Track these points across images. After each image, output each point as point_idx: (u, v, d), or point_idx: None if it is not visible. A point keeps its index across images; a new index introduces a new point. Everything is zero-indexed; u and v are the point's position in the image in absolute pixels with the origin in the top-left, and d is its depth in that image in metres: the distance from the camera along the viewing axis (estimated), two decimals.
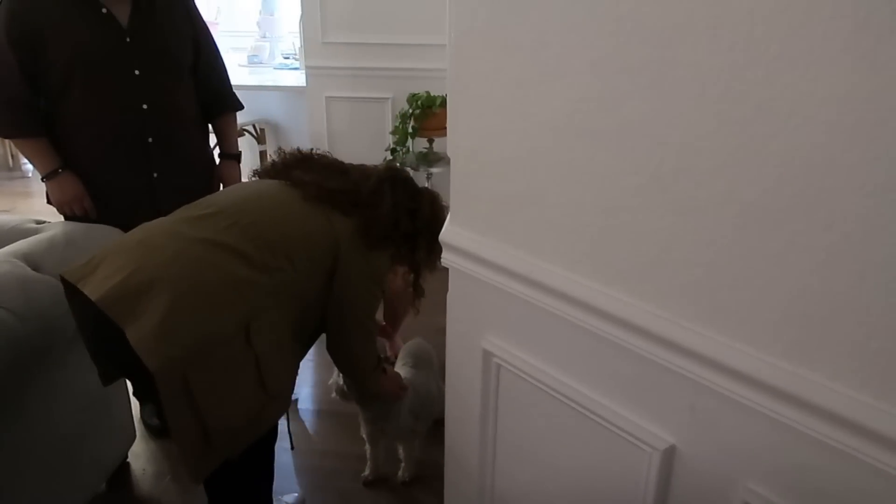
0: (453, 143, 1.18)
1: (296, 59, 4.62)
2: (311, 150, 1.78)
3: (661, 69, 0.83)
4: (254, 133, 4.14)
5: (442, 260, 1.25)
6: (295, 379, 1.53)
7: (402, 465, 2.14)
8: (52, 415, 1.76)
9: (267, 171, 1.72)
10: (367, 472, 2.13)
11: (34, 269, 1.64)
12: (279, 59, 4.84)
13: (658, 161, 0.87)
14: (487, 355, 1.22)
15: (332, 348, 1.70)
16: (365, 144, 3.84)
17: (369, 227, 1.56)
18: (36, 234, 1.85)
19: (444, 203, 1.78)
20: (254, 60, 4.80)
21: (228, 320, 1.30)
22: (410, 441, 2.10)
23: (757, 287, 0.81)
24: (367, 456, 2.13)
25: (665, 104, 0.84)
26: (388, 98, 3.76)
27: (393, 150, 3.52)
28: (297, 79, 4.10)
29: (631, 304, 0.95)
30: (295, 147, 1.79)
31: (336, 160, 1.77)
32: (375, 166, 1.79)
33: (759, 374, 0.82)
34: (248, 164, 4.55)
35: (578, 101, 0.94)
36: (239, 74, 4.53)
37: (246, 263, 1.36)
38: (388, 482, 2.14)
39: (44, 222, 1.97)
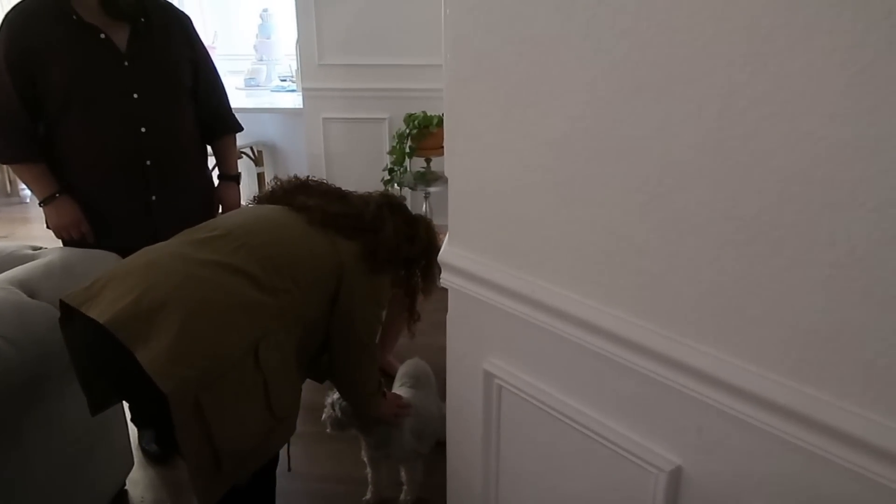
0: (451, 163, 1.17)
1: (292, 82, 4.64)
2: (308, 177, 1.81)
3: (659, 87, 0.83)
4: (251, 155, 4.15)
5: (441, 280, 1.24)
6: (299, 402, 1.51)
7: (405, 487, 2.11)
8: (50, 443, 1.73)
9: (268, 197, 1.75)
10: (368, 496, 2.10)
11: (30, 296, 1.63)
12: (276, 82, 4.86)
13: (657, 179, 0.86)
14: (489, 376, 1.20)
15: (335, 371, 1.70)
16: (363, 165, 3.85)
17: (373, 251, 1.59)
18: (32, 260, 1.84)
19: (437, 231, 1.83)
20: (251, 83, 4.82)
21: (239, 342, 1.29)
22: (413, 463, 2.07)
23: (761, 305, 0.80)
24: (369, 479, 2.10)
25: (663, 122, 0.84)
26: (384, 118, 3.77)
27: (391, 170, 3.53)
28: (294, 101, 4.12)
29: (633, 324, 0.94)
30: (292, 174, 1.82)
31: (334, 186, 1.79)
32: (370, 193, 1.82)
33: (765, 392, 0.81)
34: (246, 186, 4.56)
35: (576, 119, 0.93)
36: (236, 97, 4.54)
37: (254, 285, 1.36)
38: None
39: (40, 248, 1.96)
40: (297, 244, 1.53)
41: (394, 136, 3.54)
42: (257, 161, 4.17)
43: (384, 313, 1.74)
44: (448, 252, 1.21)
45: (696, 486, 0.93)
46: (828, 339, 0.75)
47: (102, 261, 1.89)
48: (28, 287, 1.65)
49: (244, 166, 4.45)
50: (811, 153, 0.72)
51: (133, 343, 1.20)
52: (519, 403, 1.16)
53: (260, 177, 4.18)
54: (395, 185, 3.55)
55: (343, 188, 1.81)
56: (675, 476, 0.95)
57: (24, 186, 5.38)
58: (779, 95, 0.73)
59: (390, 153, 3.54)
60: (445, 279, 1.23)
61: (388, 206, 1.73)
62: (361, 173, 3.88)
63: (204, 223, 1.56)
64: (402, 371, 2.25)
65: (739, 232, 0.80)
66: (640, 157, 0.88)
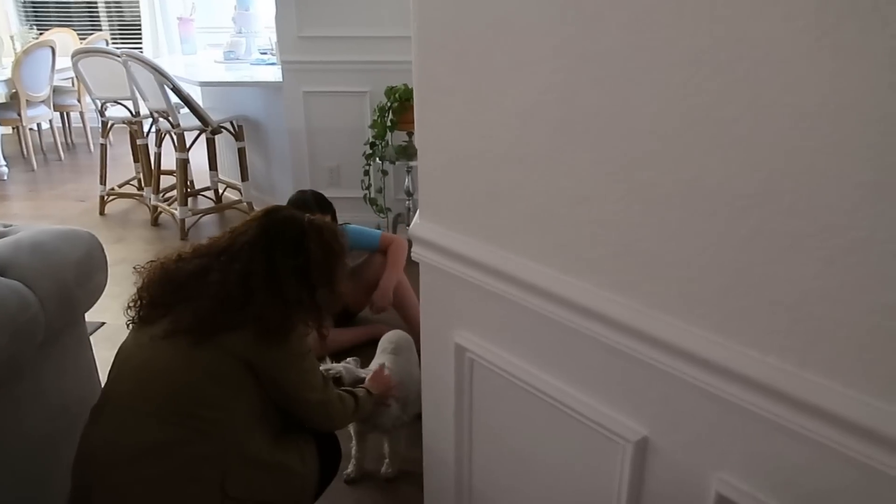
0: (421, 136, 1.16)
1: (273, 55, 4.57)
2: (161, 261, 1.51)
3: (624, 55, 0.81)
4: (232, 130, 4.09)
5: (413, 254, 1.23)
6: (305, 453, 1.53)
7: (386, 460, 2.12)
8: (23, 423, 1.72)
9: (143, 320, 1.48)
10: (350, 469, 2.11)
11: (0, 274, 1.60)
12: (256, 55, 4.78)
13: (623, 150, 0.85)
14: (460, 350, 1.20)
15: (308, 426, 1.59)
16: (344, 139, 3.81)
17: (263, 331, 1.39)
18: (2, 237, 1.81)
19: (336, 227, 1.63)
20: (230, 57, 4.74)
21: (203, 501, 1.33)
22: (397, 434, 2.08)
23: (725, 275, 0.80)
24: (352, 454, 2.11)
25: (629, 91, 0.82)
26: (366, 92, 3.72)
27: (372, 144, 3.50)
28: (274, 74, 4.06)
29: (601, 295, 0.94)
30: (152, 261, 1.53)
31: (191, 264, 1.48)
32: (247, 228, 1.52)
33: (729, 363, 0.81)
34: (230, 161, 4.51)
35: (543, 90, 0.92)
36: (215, 71, 4.48)
37: (183, 444, 1.33)
38: (372, 479, 2.12)
39: (10, 225, 1.92)
40: (190, 377, 1.37)
41: (375, 110, 3.50)
42: (238, 136, 4.11)
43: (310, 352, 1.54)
44: (418, 226, 1.20)
45: (662, 457, 0.94)
46: (789, 308, 0.75)
47: (73, 239, 1.86)
48: None
49: (224, 141, 4.40)
50: (775, 121, 0.71)
51: None
52: (490, 376, 1.16)
53: (241, 152, 4.12)
54: (378, 159, 3.52)
55: (213, 242, 1.53)
56: (642, 446, 0.95)
57: (3, 162, 5.31)
58: (742, 63, 0.71)
59: (371, 127, 3.50)
60: (416, 253, 1.22)
61: (261, 246, 1.46)
62: (343, 148, 3.84)
63: (103, 400, 1.46)
64: (384, 340, 2.26)
65: (704, 202, 0.79)
66: (605, 128, 0.86)
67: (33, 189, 5.26)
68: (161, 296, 1.45)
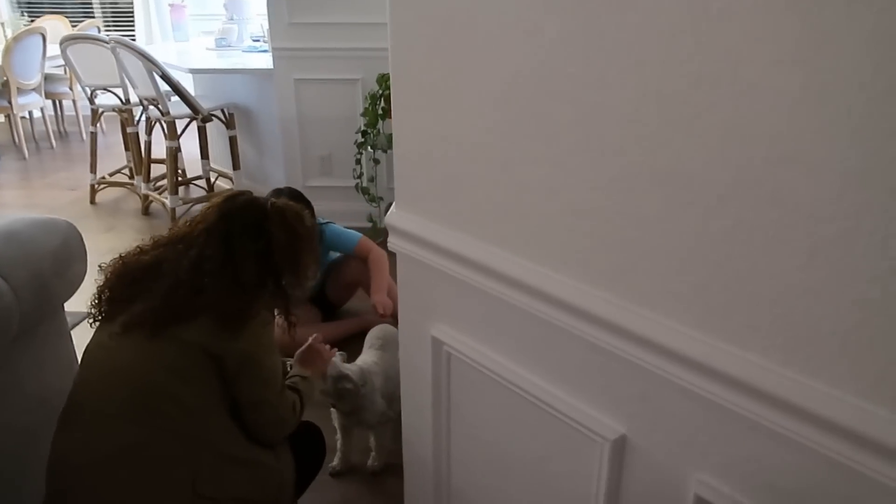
0: (397, 122, 1.11)
1: (265, 42, 4.51)
2: (120, 256, 1.46)
3: (597, 36, 0.77)
4: (223, 118, 4.04)
5: (389, 244, 1.19)
6: (279, 449, 1.48)
7: (373, 454, 2.09)
8: (1, 415, 1.69)
9: (105, 318, 1.42)
10: (335, 462, 2.08)
11: None
12: (248, 42, 4.72)
13: (599, 137, 0.81)
14: (437, 343, 1.16)
15: (254, 434, 1.43)
16: (337, 128, 3.76)
17: (220, 319, 1.31)
18: None
19: (301, 210, 1.55)
20: (222, 44, 4.68)
21: (175, 501, 1.28)
22: (383, 428, 2.05)
23: (705, 267, 0.76)
24: (338, 447, 2.08)
25: (603, 74, 0.78)
26: (357, 79, 3.67)
27: (364, 133, 3.45)
28: (266, 62, 4.00)
29: (578, 289, 0.90)
30: (113, 260, 1.46)
31: (147, 255, 1.43)
32: (206, 215, 1.45)
33: (709, 360, 0.77)
34: (220, 150, 4.46)
35: (514, 74, 0.87)
36: (207, 58, 4.42)
37: (151, 445, 1.28)
38: (358, 472, 2.09)
39: None
40: (149, 374, 1.31)
41: (366, 98, 3.45)
42: (229, 124, 4.06)
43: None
44: (395, 215, 1.16)
45: (640, 455, 0.90)
46: (772, 303, 0.71)
47: (50, 229, 1.82)
48: None
49: (216, 129, 4.35)
50: (755, 105, 0.67)
51: None
52: (468, 371, 1.13)
53: (232, 140, 4.07)
54: (369, 147, 3.48)
55: (169, 236, 1.47)
56: (620, 445, 0.91)
57: None
58: (720, 43, 0.67)
59: (363, 115, 3.45)
60: (393, 243, 1.18)
61: (219, 231, 1.39)
62: (335, 136, 3.79)
63: (70, 402, 1.39)
64: (371, 335, 2.22)
65: (683, 191, 0.75)
66: (580, 115, 0.82)
67: (24, 177, 5.22)
68: (120, 291, 1.40)
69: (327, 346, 1.87)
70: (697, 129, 0.72)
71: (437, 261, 1.10)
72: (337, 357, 1.98)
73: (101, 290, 1.42)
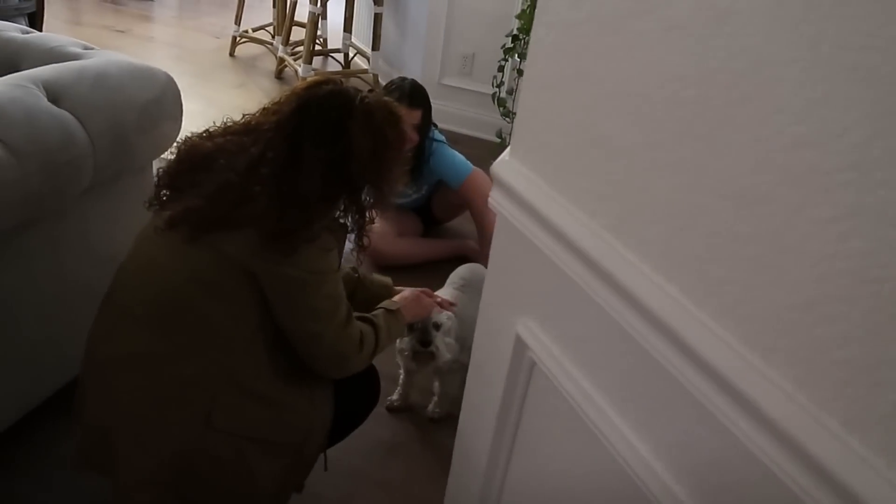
0: (536, 39, 0.80)
1: None
2: (189, 136, 1.26)
3: None
4: None
5: (490, 198, 0.91)
6: (317, 394, 1.29)
7: (434, 398, 1.90)
8: (63, 265, 1.60)
9: (161, 206, 1.23)
10: (395, 396, 1.90)
11: (52, 101, 1.42)
12: None
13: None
14: (520, 345, 0.89)
15: (316, 370, 1.28)
16: (486, 26, 3.41)
17: (268, 236, 1.10)
18: (75, 59, 1.63)
19: (396, 110, 1.26)
20: None
21: (186, 428, 1.15)
22: (453, 375, 1.83)
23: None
24: (399, 381, 1.89)
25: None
26: None
27: (514, 38, 3.08)
28: None
29: (734, 352, 0.59)
30: (186, 135, 1.27)
31: (207, 145, 1.22)
32: (282, 104, 1.21)
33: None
34: (365, 26, 4.21)
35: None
36: None
37: (168, 360, 1.14)
38: (415, 413, 1.91)
39: (92, 49, 1.74)
40: (178, 281, 1.14)
41: None
42: (377, 0, 3.79)
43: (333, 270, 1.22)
44: (505, 164, 0.87)
45: None
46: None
47: (147, 78, 1.66)
48: (53, 90, 1.44)
49: (364, 2, 4.09)
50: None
51: (105, 473, 1.23)
52: (550, 392, 0.85)
53: (377, 18, 3.81)
54: (517, 56, 3.11)
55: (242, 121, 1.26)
56: None
57: None
58: None
59: (518, 17, 3.07)
60: (495, 199, 0.90)
61: (290, 126, 1.16)
62: (483, 36, 3.44)
63: (110, 294, 1.24)
64: (456, 273, 1.98)
65: None
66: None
67: (178, 17, 5.24)
68: (176, 178, 1.20)
69: (437, 299, 1.66)
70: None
71: (544, 239, 0.81)
72: (444, 316, 1.72)
73: (160, 174, 1.23)
